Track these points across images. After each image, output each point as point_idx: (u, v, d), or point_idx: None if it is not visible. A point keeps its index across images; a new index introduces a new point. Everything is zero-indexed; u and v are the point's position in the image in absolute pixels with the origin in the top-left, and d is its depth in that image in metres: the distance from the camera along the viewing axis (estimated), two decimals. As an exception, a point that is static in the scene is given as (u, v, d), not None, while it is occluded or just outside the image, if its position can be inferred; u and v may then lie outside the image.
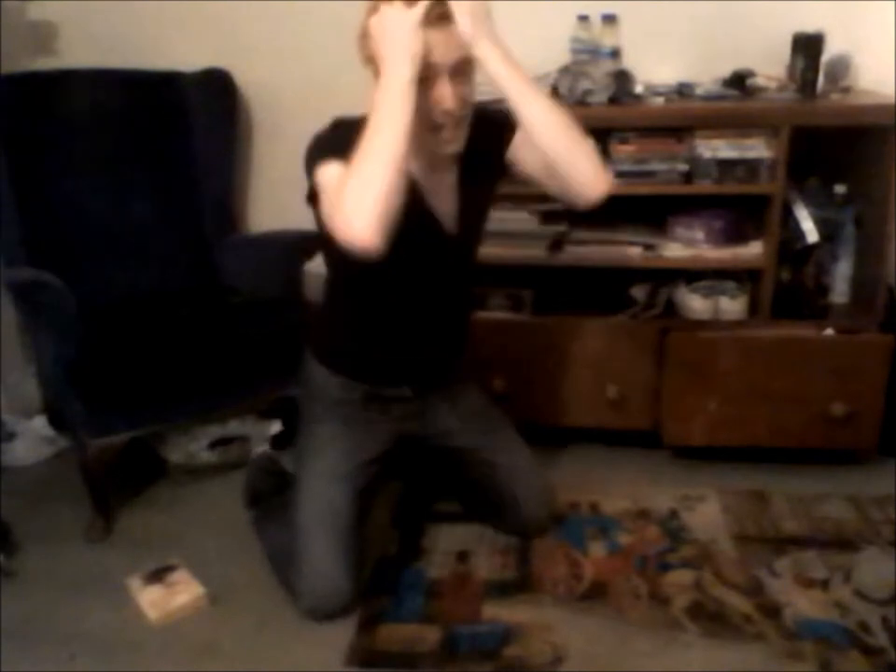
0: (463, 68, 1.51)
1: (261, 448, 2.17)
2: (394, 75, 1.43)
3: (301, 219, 1.81)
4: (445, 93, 1.50)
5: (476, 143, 1.62)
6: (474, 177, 1.70)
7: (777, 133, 2.07)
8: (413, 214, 1.50)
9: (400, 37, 1.43)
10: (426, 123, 1.51)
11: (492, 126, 1.66)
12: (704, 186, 2.15)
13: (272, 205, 2.67)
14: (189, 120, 2.51)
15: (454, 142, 1.58)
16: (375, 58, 1.48)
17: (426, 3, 1.44)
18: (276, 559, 1.87)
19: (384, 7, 1.46)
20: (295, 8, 2.47)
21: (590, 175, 1.59)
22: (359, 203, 1.40)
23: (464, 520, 2.04)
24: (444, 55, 1.48)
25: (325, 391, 1.84)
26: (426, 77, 1.47)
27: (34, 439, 2.47)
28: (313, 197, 1.56)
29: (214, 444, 2.34)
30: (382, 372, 1.82)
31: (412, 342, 1.80)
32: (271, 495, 2.01)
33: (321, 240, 1.66)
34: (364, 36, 1.52)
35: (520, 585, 1.82)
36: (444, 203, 1.68)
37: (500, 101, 1.57)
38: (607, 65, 2.28)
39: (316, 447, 1.83)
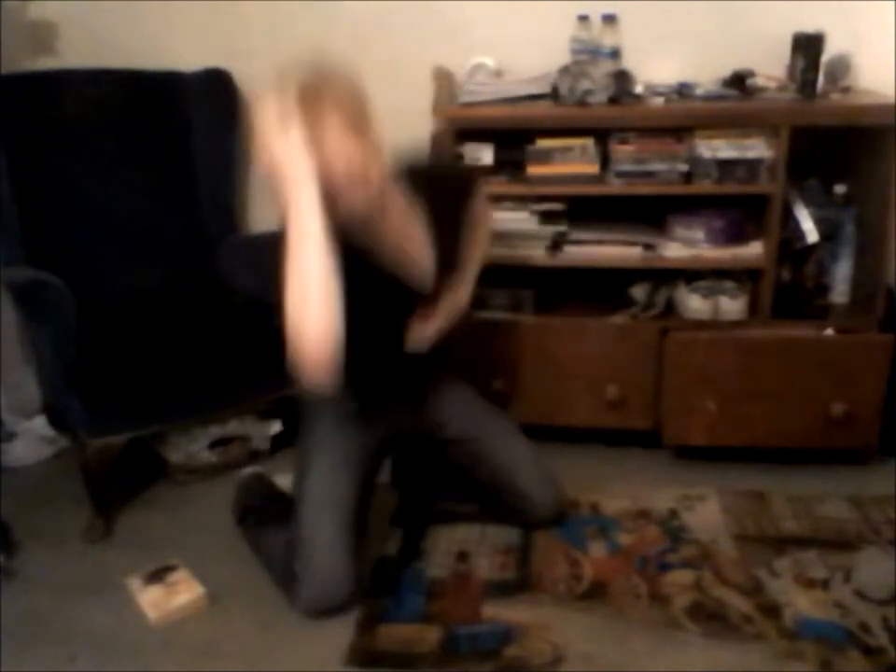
0: (359, 168, 1.51)
1: (248, 469, 2.20)
2: (301, 200, 1.44)
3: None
4: (352, 198, 1.52)
5: (434, 189, 1.74)
6: (439, 217, 1.76)
7: (776, 132, 2.07)
8: (375, 277, 1.65)
9: (293, 167, 1.43)
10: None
11: (452, 180, 1.92)
12: (704, 186, 2.15)
13: (272, 205, 2.67)
14: (189, 120, 2.51)
15: (367, 191, 1.58)
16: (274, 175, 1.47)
17: (296, 118, 1.43)
18: (273, 564, 1.87)
19: (266, 143, 1.45)
20: (295, 8, 2.47)
21: None
22: (307, 343, 1.45)
23: (464, 520, 2.04)
24: (336, 168, 1.48)
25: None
26: (332, 192, 1.49)
27: (34, 439, 2.47)
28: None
29: (214, 444, 2.34)
30: (366, 393, 1.86)
31: (394, 368, 1.86)
32: (259, 508, 2.04)
33: None
34: (258, 156, 1.51)
35: (520, 585, 1.82)
36: (414, 248, 1.74)
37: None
38: (607, 65, 2.28)
39: (316, 446, 1.88)
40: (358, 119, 1.51)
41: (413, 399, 1.96)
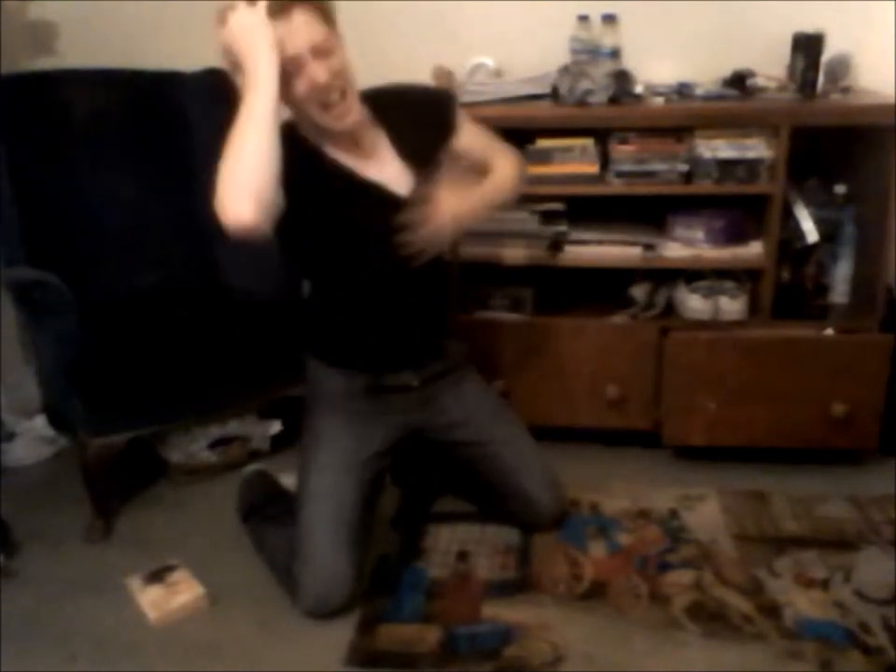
0: (322, 47, 1.56)
1: (252, 466, 2.19)
2: (258, 67, 1.48)
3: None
4: (313, 72, 1.56)
5: (411, 115, 1.76)
6: (412, 144, 1.76)
7: (777, 132, 2.07)
8: (354, 190, 1.68)
9: (254, 35, 1.49)
10: (316, 107, 1.59)
11: (430, 103, 1.83)
12: (704, 186, 2.15)
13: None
14: (189, 120, 2.50)
15: (349, 113, 1.63)
16: (239, 63, 1.51)
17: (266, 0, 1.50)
18: (276, 563, 1.87)
19: (230, 15, 1.51)
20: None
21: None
22: (231, 185, 1.48)
23: (464, 520, 2.04)
24: (298, 44, 1.53)
25: (328, 386, 1.86)
26: (293, 69, 1.54)
27: (34, 439, 2.47)
28: None
29: (214, 444, 2.34)
30: (374, 356, 1.84)
31: (396, 318, 1.81)
32: (263, 506, 2.03)
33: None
34: (223, 48, 1.55)
35: (520, 585, 1.82)
36: (386, 170, 1.73)
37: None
38: (607, 65, 2.28)
39: (321, 443, 1.84)
40: (325, 10, 1.58)
41: (424, 368, 1.86)
